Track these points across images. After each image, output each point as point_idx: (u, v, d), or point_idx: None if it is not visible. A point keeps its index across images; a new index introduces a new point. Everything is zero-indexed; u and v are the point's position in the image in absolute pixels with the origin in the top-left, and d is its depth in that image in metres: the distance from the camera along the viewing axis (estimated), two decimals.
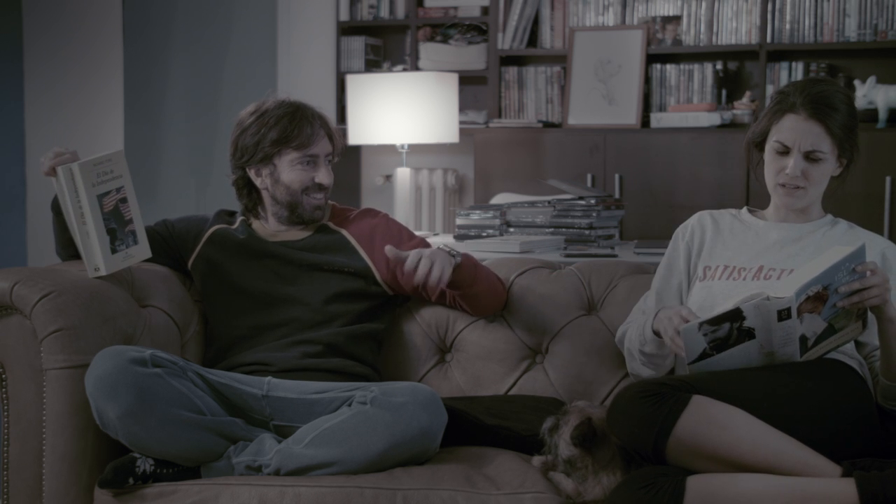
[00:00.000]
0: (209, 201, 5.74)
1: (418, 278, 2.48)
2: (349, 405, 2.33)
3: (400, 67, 5.52)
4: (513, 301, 2.75)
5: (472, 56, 5.42)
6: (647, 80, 5.13)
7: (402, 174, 4.49)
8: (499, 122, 5.27)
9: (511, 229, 3.95)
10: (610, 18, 5.20)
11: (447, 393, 2.68)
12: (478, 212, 4.01)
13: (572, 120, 5.17)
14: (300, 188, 2.69)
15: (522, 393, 2.69)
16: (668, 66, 5.13)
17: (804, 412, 2.12)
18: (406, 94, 4.44)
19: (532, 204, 3.97)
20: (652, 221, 4.76)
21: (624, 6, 5.18)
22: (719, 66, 5.03)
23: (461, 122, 4.95)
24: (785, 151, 2.40)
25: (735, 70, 5.11)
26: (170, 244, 2.75)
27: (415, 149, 4.92)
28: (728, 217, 2.57)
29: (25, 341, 2.37)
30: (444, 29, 5.47)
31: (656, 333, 2.35)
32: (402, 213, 4.45)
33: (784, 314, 2.11)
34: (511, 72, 5.39)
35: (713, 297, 2.40)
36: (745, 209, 2.59)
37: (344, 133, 4.40)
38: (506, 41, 5.34)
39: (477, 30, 5.44)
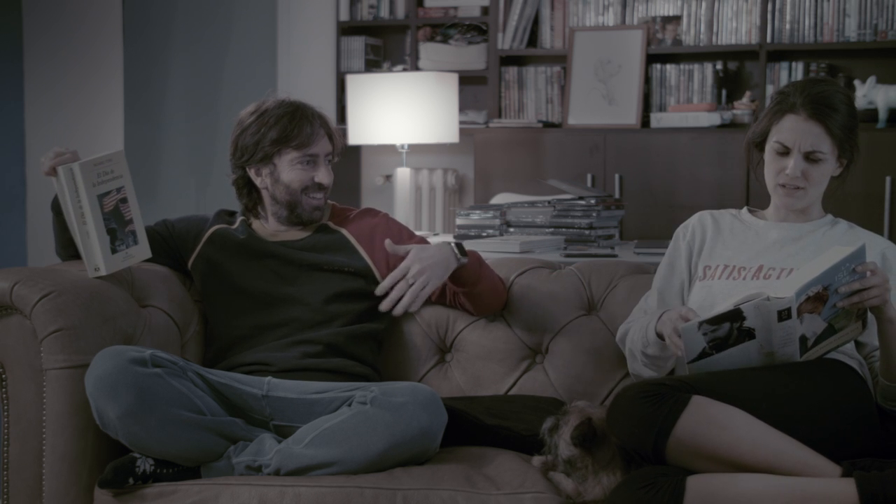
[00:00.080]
0: (209, 201, 5.73)
1: (383, 308, 2.52)
2: (349, 405, 2.33)
3: (400, 67, 5.51)
4: (513, 301, 2.75)
5: (472, 56, 5.41)
6: (647, 80, 5.13)
7: (402, 174, 4.49)
8: (499, 122, 5.27)
9: (511, 229, 3.95)
10: (610, 18, 5.19)
11: (447, 393, 2.68)
12: (478, 212, 4.01)
13: (572, 120, 5.17)
14: (300, 188, 2.69)
15: (522, 393, 2.69)
16: (668, 66, 5.12)
17: (804, 412, 2.12)
18: (406, 94, 4.43)
19: (532, 204, 3.97)
20: (652, 221, 4.75)
21: (624, 6, 5.18)
22: (719, 66, 5.03)
23: (461, 122, 4.95)
24: (785, 152, 2.40)
25: (735, 70, 5.11)
26: (170, 244, 2.74)
27: (415, 149, 4.91)
28: (728, 217, 2.57)
29: (25, 341, 2.36)
30: (444, 29, 5.47)
31: (659, 336, 2.35)
32: (402, 213, 4.45)
33: (784, 314, 2.11)
34: (511, 72, 5.38)
35: (713, 296, 2.40)
36: (745, 209, 2.59)
37: (344, 133, 4.40)
38: (506, 41, 5.33)
39: (477, 30, 5.43)
